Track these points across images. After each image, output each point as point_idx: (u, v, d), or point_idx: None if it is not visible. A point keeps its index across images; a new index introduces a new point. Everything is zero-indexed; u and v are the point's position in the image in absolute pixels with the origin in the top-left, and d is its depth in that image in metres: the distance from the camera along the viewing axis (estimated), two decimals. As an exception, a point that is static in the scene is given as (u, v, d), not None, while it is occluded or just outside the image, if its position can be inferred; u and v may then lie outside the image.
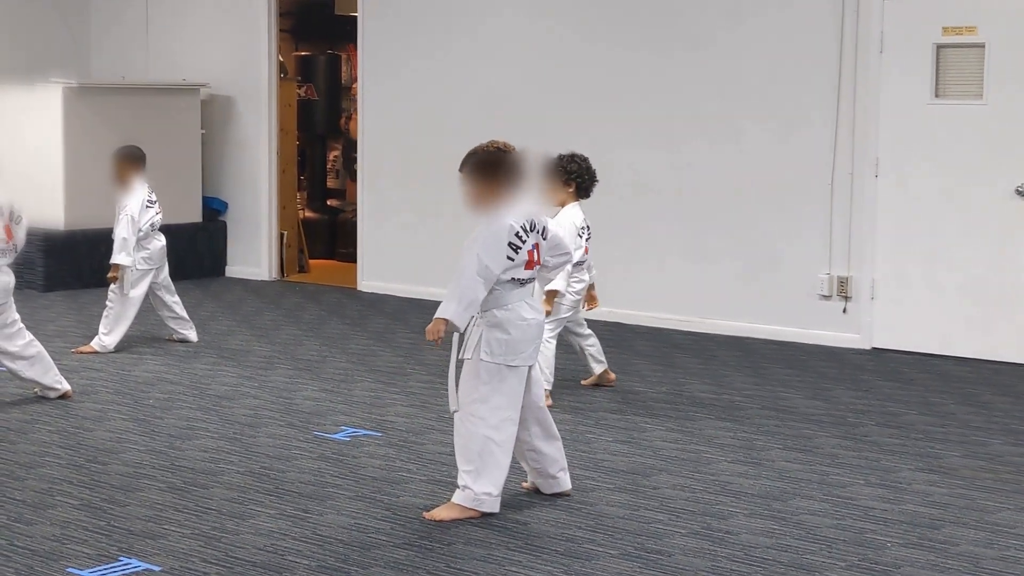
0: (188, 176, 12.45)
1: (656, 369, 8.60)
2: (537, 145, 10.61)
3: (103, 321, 8.85)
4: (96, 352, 8.71)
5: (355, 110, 12.54)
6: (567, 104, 10.62)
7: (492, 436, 5.36)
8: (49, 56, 13.00)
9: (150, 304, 9.09)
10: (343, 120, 14.42)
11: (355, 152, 12.26)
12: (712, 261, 10.00)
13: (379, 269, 11.81)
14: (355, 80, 12.52)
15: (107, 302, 8.89)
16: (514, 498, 5.68)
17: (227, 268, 12.74)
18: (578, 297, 7.60)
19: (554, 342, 7.48)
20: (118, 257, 8.80)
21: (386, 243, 11.78)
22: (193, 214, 12.49)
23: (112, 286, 8.85)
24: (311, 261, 13.26)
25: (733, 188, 9.91)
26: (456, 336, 5.43)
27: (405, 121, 11.55)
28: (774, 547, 5.10)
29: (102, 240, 10.57)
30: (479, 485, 5.35)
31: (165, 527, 5.24)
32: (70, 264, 11.54)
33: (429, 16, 11.38)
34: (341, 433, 6.78)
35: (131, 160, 9.08)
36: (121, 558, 4.89)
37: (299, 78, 14.12)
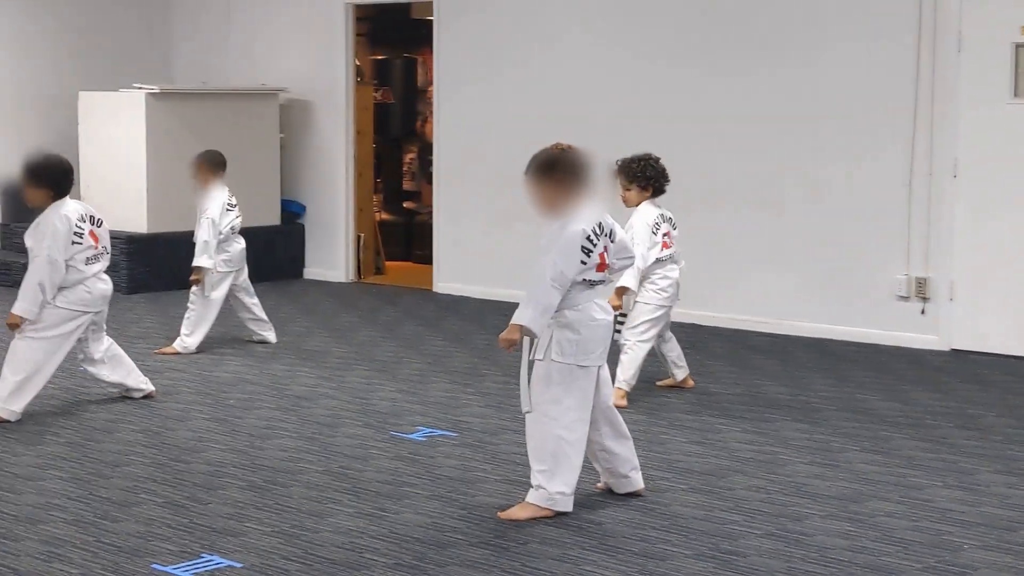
0: (267, 180, 12.61)
1: (732, 371, 8.60)
2: (611, 150, 10.71)
3: (185, 323, 8.99)
4: (178, 353, 8.85)
5: (430, 113, 12.62)
6: (641, 108, 10.63)
7: (565, 436, 5.40)
8: (133, 63, 13.21)
9: (230, 306, 9.22)
10: (419, 123, 14.52)
11: (431, 155, 12.34)
12: (790, 263, 9.97)
13: (455, 271, 11.89)
14: (431, 83, 12.60)
15: (189, 304, 9.03)
16: (588, 498, 5.72)
17: (305, 270, 12.88)
18: (668, 293, 7.58)
19: (647, 345, 7.50)
20: (200, 260, 8.94)
21: (462, 245, 11.86)
22: (272, 217, 12.64)
23: (194, 288, 8.99)
24: (387, 263, 13.37)
25: (811, 189, 9.88)
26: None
27: (480, 124, 11.61)
28: (850, 549, 5.10)
29: (184, 243, 10.73)
30: (553, 485, 5.40)
31: (246, 525, 5.33)
32: (153, 267, 11.72)
33: (504, 20, 11.44)
34: (417, 433, 6.85)
35: (212, 164, 9.22)
36: (203, 554, 4.99)
37: (375, 82, 14.23)
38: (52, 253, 7.01)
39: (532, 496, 5.45)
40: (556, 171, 5.52)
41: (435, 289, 11.97)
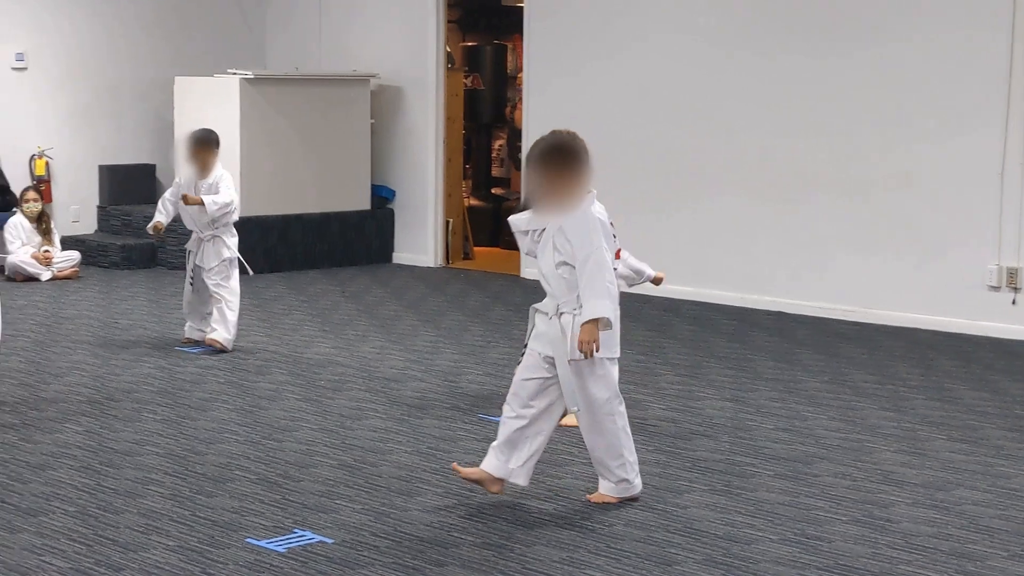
0: (358, 165, 12.75)
1: (818, 358, 8.59)
2: (699, 138, 10.75)
3: (215, 319, 8.55)
4: (224, 348, 8.47)
5: (520, 100, 12.68)
6: (731, 95, 10.63)
7: (625, 426, 5.44)
8: (228, 49, 13.42)
9: (322, 288, 9.32)
10: (508, 109, 14.60)
11: (520, 141, 12.41)
12: (879, 251, 9.92)
13: (543, 257, 11.92)
14: (520, 70, 12.67)
15: (215, 297, 8.49)
16: (674, 483, 5.77)
17: (394, 255, 13.01)
18: None
19: None
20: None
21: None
22: (362, 202, 12.79)
23: (218, 281, 8.50)
24: (475, 248, 13.46)
25: (901, 178, 9.82)
26: (559, 330, 5.27)
27: (569, 110, 11.65)
28: (936, 536, 5.11)
29: (274, 226, 10.92)
30: (635, 475, 5.46)
31: (337, 502, 5.44)
32: (245, 250, 11.87)
33: (594, 7, 11.47)
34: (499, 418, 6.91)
35: (212, 143, 8.58)
36: (296, 530, 5.11)
37: (466, 68, 14.32)
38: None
39: (615, 491, 5.46)
40: (567, 156, 5.29)
41: (522, 275, 12.03)
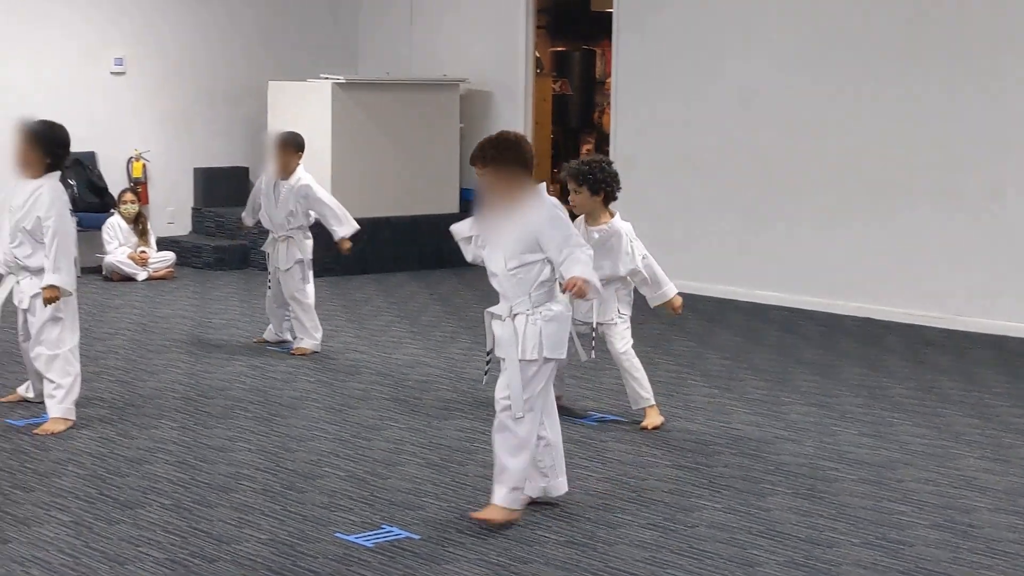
0: (447, 168, 12.89)
1: (905, 365, 8.57)
2: (790, 142, 10.74)
3: (301, 324, 8.63)
4: (316, 352, 8.53)
5: (608, 105, 12.75)
6: (822, 101, 10.61)
7: (539, 434, 5.37)
8: (321, 54, 13.61)
9: (412, 291, 9.43)
10: (596, 114, 14.68)
11: (607, 146, 12.47)
12: (970, 259, 9.85)
13: (630, 261, 11.98)
14: (609, 75, 12.74)
15: (296, 299, 8.59)
16: (757, 486, 5.81)
17: (483, 258, 13.10)
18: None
19: None
20: (351, 225, 8.76)
21: (639, 237, 11.92)
22: (451, 205, 12.92)
23: (295, 286, 8.59)
24: (563, 252, 13.52)
25: (991, 185, 9.76)
26: (512, 331, 5.25)
27: (658, 116, 11.70)
28: (1017, 541, 5.11)
29: (364, 228, 11.05)
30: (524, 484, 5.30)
31: (424, 499, 5.55)
32: (335, 251, 12.05)
33: (684, 12, 11.50)
34: (590, 418, 7.00)
35: (296, 146, 8.75)
36: (384, 526, 5.22)
37: (554, 73, 14.42)
38: None
39: (503, 498, 5.23)
40: (519, 155, 5.30)
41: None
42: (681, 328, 9.65)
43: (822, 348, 9.11)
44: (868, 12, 10.38)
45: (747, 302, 10.85)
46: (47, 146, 6.69)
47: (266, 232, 8.82)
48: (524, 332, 5.21)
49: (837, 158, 10.52)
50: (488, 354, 5.40)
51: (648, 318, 9.98)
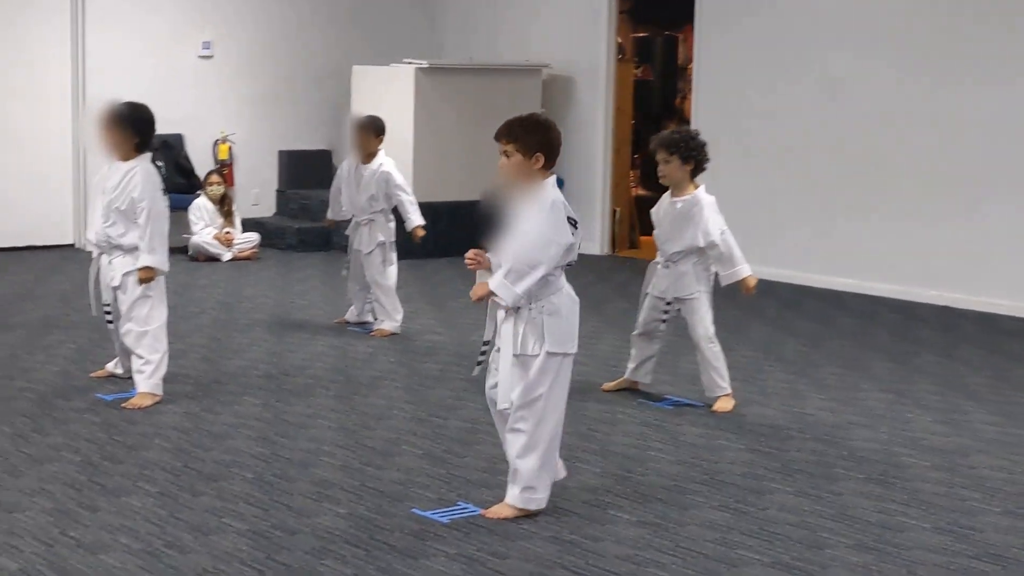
0: (527, 153, 12.96)
1: (981, 354, 8.55)
2: (873, 131, 10.71)
3: (382, 307, 8.81)
4: (395, 333, 8.68)
5: (690, 91, 12.77)
6: (905, 91, 10.58)
7: (555, 433, 5.29)
8: (405, 39, 13.76)
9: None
10: (678, 100, 14.68)
11: (688, 132, 12.49)
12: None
13: (708, 247, 12.01)
14: (691, 61, 12.76)
15: (377, 282, 8.76)
16: (830, 471, 5.86)
17: (562, 242, 13.18)
18: None
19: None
20: (418, 217, 8.90)
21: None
22: (531, 190, 12.99)
23: (374, 267, 8.74)
24: (642, 238, 13.57)
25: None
26: (511, 325, 5.13)
27: (739, 102, 11.72)
28: (1089, 530, 5.14)
29: (444, 212, 11.17)
30: (542, 482, 5.21)
31: (499, 478, 5.64)
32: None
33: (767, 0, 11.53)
34: (665, 402, 7.08)
35: (378, 130, 8.91)
36: (459, 502, 5.33)
37: (636, 59, 14.44)
38: None
39: (514, 498, 5.19)
40: (542, 138, 5.16)
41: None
42: (759, 314, 9.69)
43: (898, 336, 9.11)
44: (956, 2, 10.32)
45: (825, 289, 10.86)
46: (133, 127, 6.85)
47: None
48: (524, 326, 5.08)
49: (919, 147, 10.49)
50: (484, 344, 5.27)
51: (726, 304, 10.03)
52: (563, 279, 5.18)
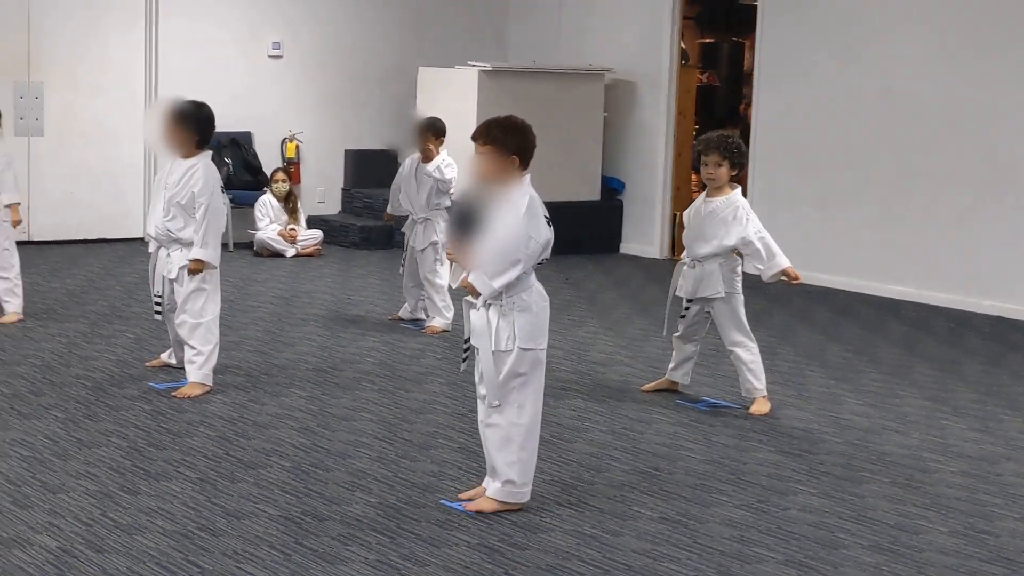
0: (589, 156, 13.12)
1: (1029, 364, 8.58)
2: (931, 137, 10.72)
3: (434, 304, 8.96)
4: (446, 331, 8.82)
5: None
6: (963, 97, 10.58)
7: (532, 425, 5.35)
8: (470, 41, 13.92)
9: (547, 274, 9.62)
10: (743, 106, 14.75)
11: (749, 136, 12.56)
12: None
13: (766, 252, 12.07)
14: (754, 67, 12.83)
15: (429, 280, 8.92)
16: (856, 473, 5.95)
17: (621, 245, 13.33)
18: None
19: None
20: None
21: (776, 229, 11.91)
22: (592, 193, 13.15)
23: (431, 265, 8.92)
24: (702, 242, 13.64)
25: None
26: (485, 321, 5.26)
27: (800, 110, 11.77)
28: (1106, 538, 5.19)
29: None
30: (524, 476, 5.30)
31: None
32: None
33: (830, 7, 11.55)
34: (701, 403, 7.18)
35: (437, 131, 9.14)
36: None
37: (700, 65, 14.53)
38: None
39: (495, 492, 5.29)
40: (521, 142, 5.28)
41: (746, 270, 12.16)
42: (808, 320, 9.76)
43: (948, 344, 9.14)
44: (1014, 6, 10.32)
45: (879, 296, 10.90)
46: (196, 125, 7.07)
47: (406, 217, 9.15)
48: (497, 323, 5.19)
49: (977, 154, 10.50)
50: (466, 342, 5.38)
51: (776, 309, 10.12)
52: (533, 276, 5.29)
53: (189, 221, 7.01)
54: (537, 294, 5.29)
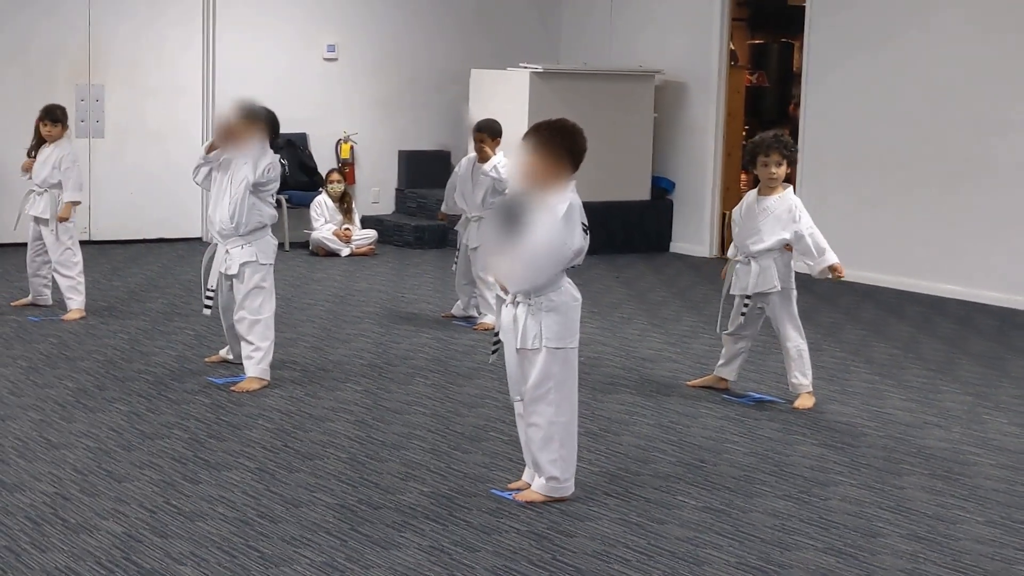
0: (639, 156, 13.27)
1: (1074, 361, 8.66)
2: (983, 135, 10.79)
3: (484, 301, 9.14)
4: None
5: (801, 97, 12.94)
6: (1010, 99, 10.65)
7: (569, 422, 5.51)
8: (522, 43, 14.09)
9: (598, 273, 9.75)
10: (792, 106, 14.84)
11: (798, 137, 12.67)
12: None
13: (815, 251, 12.17)
14: (805, 67, 12.92)
15: (481, 277, 9.07)
16: (897, 466, 6.08)
17: (671, 244, 13.47)
18: None
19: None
20: None
21: (824, 227, 12.00)
22: (642, 192, 13.30)
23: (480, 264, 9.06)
24: (752, 241, 13.75)
25: None
26: (512, 318, 5.37)
27: (848, 110, 11.86)
28: None
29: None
30: (567, 472, 5.45)
31: (578, 464, 5.90)
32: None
33: (877, 7, 11.64)
34: (747, 398, 7.33)
35: (494, 133, 9.34)
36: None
37: (749, 66, 14.63)
38: None
39: (540, 487, 5.44)
40: (571, 145, 5.35)
41: (796, 269, 12.26)
42: (855, 317, 9.87)
43: (993, 341, 9.23)
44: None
45: (926, 295, 10.98)
46: (269, 127, 7.28)
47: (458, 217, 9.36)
48: (524, 321, 5.29)
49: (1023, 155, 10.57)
50: (495, 336, 5.53)
51: (824, 306, 10.23)
52: (564, 276, 5.37)
53: (259, 206, 7.18)
54: (567, 293, 5.37)
